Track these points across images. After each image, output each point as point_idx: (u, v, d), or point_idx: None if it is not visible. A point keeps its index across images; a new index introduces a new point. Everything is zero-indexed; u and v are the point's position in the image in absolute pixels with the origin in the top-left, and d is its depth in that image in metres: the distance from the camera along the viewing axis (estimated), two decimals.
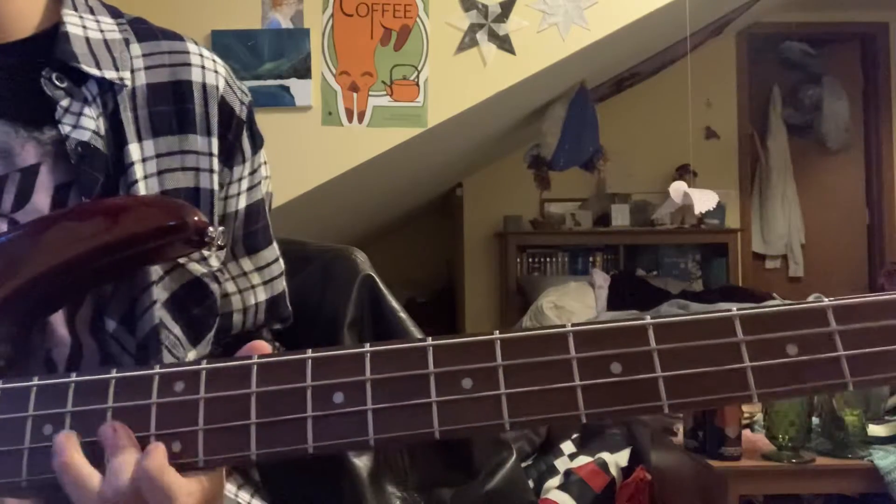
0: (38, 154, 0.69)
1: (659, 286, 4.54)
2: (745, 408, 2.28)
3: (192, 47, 0.78)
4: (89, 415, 0.56)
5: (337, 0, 2.63)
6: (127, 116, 0.72)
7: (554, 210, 5.14)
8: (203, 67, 0.77)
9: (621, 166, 4.86)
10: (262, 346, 0.58)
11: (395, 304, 1.31)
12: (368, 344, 0.55)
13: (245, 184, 0.81)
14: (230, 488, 0.95)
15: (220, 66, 0.80)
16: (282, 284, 0.89)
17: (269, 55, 2.59)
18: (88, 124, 0.70)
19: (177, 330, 0.74)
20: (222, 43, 2.55)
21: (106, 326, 0.70)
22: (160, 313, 0.72)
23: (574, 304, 4.25)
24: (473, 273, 5.16)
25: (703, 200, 2.94)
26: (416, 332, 1.30)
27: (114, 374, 0.57)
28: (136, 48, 0.75)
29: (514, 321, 4.53)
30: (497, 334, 0.53)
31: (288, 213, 2.64)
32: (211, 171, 0.76)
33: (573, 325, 0.53)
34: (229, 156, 0.78)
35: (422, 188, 4.59)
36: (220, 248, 0.74)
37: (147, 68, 0.75)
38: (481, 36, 2.69)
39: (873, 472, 2.02)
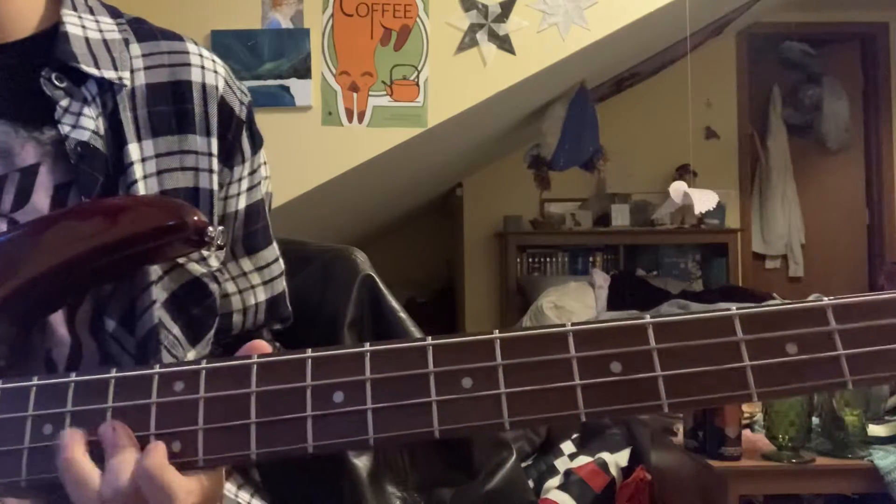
0: (37, 154, 0.69)
1: (659, 286, 4.54)
2: (745, 408, 2.28)
3: (191, 47, 0.78)
4: (89, 414, 0.56)
5: (337, 0, 2.63)
6: (126, 116, 0.72)
7: (554, 210, 5.14)
8: (203, 68, 0.77)
9: (621, 166, 4.86)
10: (262, 345, 0.58)
11: (395, 304, 1.31)
12: (368, 343, 0.55)
13: (245, 184, 0.81)
14: (230, 488, 0.95)
15: (220, 66, 0.80)
16: (282, 284, 0.89)
17: (269, 55, 2.59)
18: (88, 124, 0.70)
19: (176, 330, 0.74)
20: (222, 43, 2.55)
21: (105, 326, 0.70)
22: (159, 313, 0.72)
23: (574, 304, 4.25)
24: (473, 273, 5.16)
25: (703, 200, 2.94)
26: (416, 332, 1.30)
27: (113, 373, 0.57)
28: (135, 48, 0.76)
29: (514, 321, 4.53)
30: (497, 333, 0.53)
31: (288, 213, 2.64)
32: (210, 171, 0.76)
33: (573, 324, 0.53)
34: (229, 156, 0.79)
35: (422, 188, 4.59)
36: (219, 247, 0.74)
37: (146, 68, 0.75)
38: (481, 36, 2.69)
39: (873, 472, 2.02)
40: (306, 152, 2.62)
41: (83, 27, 0.73)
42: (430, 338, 0.54)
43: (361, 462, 1.20)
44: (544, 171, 4.25)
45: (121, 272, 0.68)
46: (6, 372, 0.63)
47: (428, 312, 4.88)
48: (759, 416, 2.36)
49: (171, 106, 0.75)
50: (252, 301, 0.86)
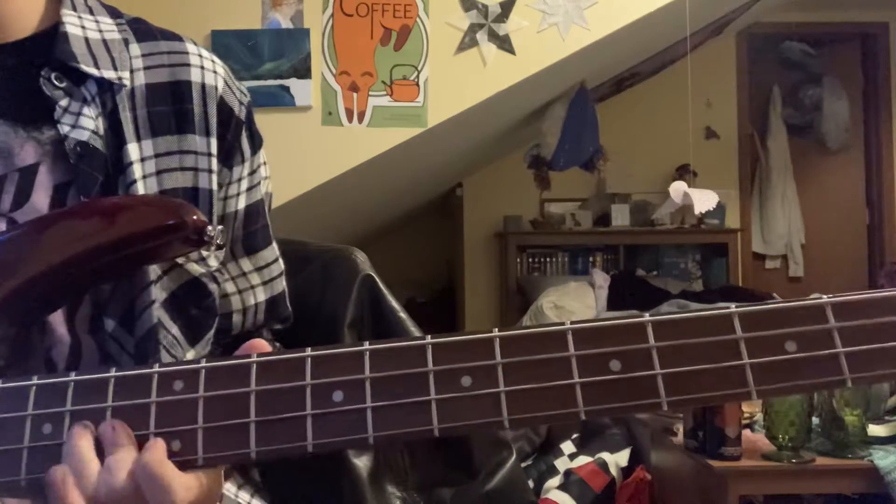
0: (37, 154, 0.69)
1: (659, 286, 4.54)
2: (745, 407, 2.28)
3: (191, 47, 0.78)
4: (89, 414, 0.56)
5: (337, 0, 2.63)
6: (126, 116, 0.72)
7: (554, 210, 5.14)
8: (202, 68, 0.77)
9: (621, 166, 4.86)
10: (262, 344, 0.58)
11: (395, 304, 1.32)
12: (367, 342, 0.55)
13: (244, 184, 0.81)
14: (230, 488, 0.95)
15: (219, 66, 0.80)
16: (281, 284, 0.89)
17: (269, 55, 2.59)
18: (87, 124, 0.70)
19: (175, 330, 0.74)
20: (222, 43, 2.55)
21: (105, 326, 0.70)
22: (158, 313, 0.72)
23: (574, 304, 4.25)
24: (473, 273, 5.16)
25: (703, 200, 2.94)
26: (416, 332, 1.30)
27: (113, 373, 0.57)
28: (135, 48, 0.76)
29: (514, 321, 4.53)
30: (496, 332, 0.53)
31: (288, 213, 2.64)
32: (210, 171, 0.76)
33: (572, 322, 0.53)
34: (228, 156, 0.79)
35: (422, 188, 4.59)
36: (218, 247, 0.74)
37: (146, 68, 0.75)
38: (481, 36, 2.69)
39: (873, 472, 2.02)
40: (306, 152, 2.62)
41: (83, 27, 0.73)
42: (429, 336, 0.54)
43: (361, 462, 1.20)
44: (544, 171, 4.25)
45: (120, 272, 0.68)
46: (6, 372, 0.63)
47: (428, 312, 4.87)
48: (759, 416, 2.36)
49: (171, 106, 0.75)
50: (252, 301, 0.86)
